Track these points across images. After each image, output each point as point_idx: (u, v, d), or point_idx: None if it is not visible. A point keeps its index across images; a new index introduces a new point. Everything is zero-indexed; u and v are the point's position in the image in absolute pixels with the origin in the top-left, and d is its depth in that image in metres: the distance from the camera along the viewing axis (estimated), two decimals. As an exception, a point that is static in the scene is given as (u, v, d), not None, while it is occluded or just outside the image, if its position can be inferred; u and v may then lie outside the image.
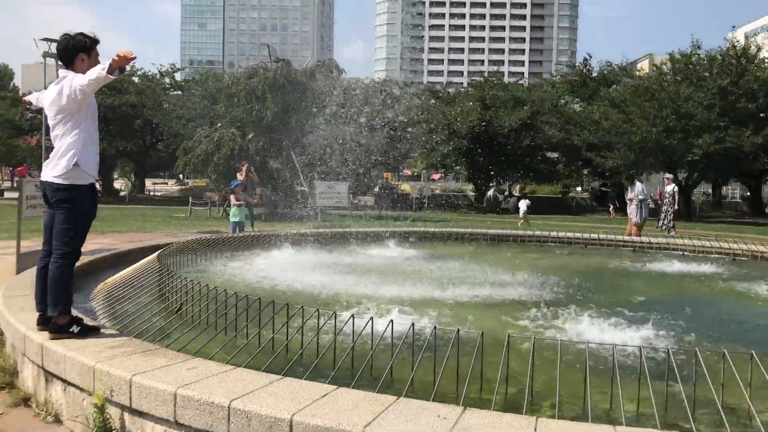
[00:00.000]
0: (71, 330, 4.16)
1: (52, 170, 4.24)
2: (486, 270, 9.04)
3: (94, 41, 4.42)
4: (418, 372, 3.70)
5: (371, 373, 3.90)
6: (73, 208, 4.23)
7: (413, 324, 4.00)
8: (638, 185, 15.49)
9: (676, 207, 18.83)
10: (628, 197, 15.61)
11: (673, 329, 5.67)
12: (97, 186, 4.97)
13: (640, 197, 15.16)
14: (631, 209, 15.47)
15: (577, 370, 4.09)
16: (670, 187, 18.93)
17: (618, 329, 5.48)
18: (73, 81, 4.16)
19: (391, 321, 4.06)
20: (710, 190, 54.16)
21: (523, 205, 23.53)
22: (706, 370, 3.45)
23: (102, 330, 4.39)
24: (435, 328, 3.90)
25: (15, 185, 54.50)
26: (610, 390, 3.54)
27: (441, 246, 12.59)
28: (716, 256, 11.67)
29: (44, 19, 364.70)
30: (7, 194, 40.81)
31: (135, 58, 3.99)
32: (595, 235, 13.26)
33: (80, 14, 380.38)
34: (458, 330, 3.81)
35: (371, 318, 4.10)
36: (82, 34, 4.42)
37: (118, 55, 3.92)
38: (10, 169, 60.17)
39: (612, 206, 37.88)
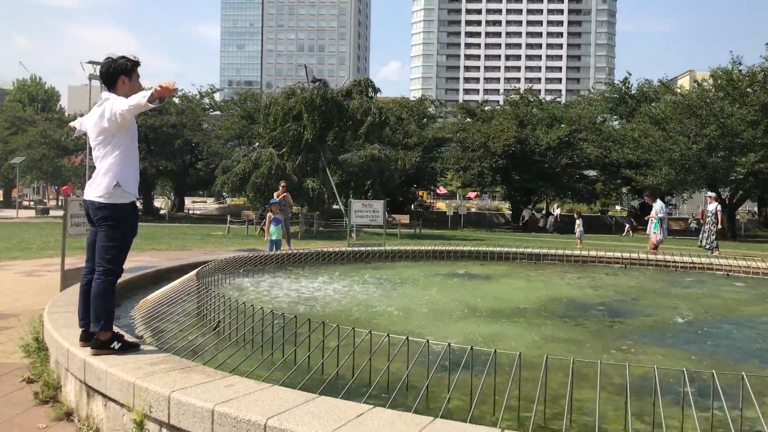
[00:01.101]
0: (112, 346, 4.23)
1: (94, 190, 4.36)
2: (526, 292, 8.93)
3: (135, 63, 4.52)
4: (455, 392, 3.66)
5: (407, 392, 3.88)
6: (114, 226, 4.33)
7: (449, 344, 3.96)
8: (657, 203, 15.16)
9: (719, 226, 18.35)
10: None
11: (719, 352, 5.51)
12: (138, 204, 5.08)
13: (660, 215, 14.82)
14: (650, 227, 15.17)
15: (618, 393, 4.00)
16: (713, 206, 18.47)
17: (661, 350, 5.35)
18: (114, 105, 4.26)
19: (427, 340, 4.03)
20: (756, 209, 52.77)
21: (580, 225, 23.18)
22: (753, 395, 3.34)
23: (142, 346, 4.46)
24: (471, 348, 3.86)
25: (60, 204, 56.09)
26: (653, 414, 3.44)
27: (479, 265, 12.49)
28: (762, 277, 11.32)
29: (89, 42, 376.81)
30: (52, 212, 41.99)
31: (177, 90, 4.08)
32: (635, 255, 13.00)
33: (124, 37, 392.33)
34: (495, 351, 3.76)
35: (407, 338, 4.08)
36: (124, 57, 4.53)
37: (161, 86, 4.01)
38: (56, 188, 61.96)
39: (629, 225, 37.36)
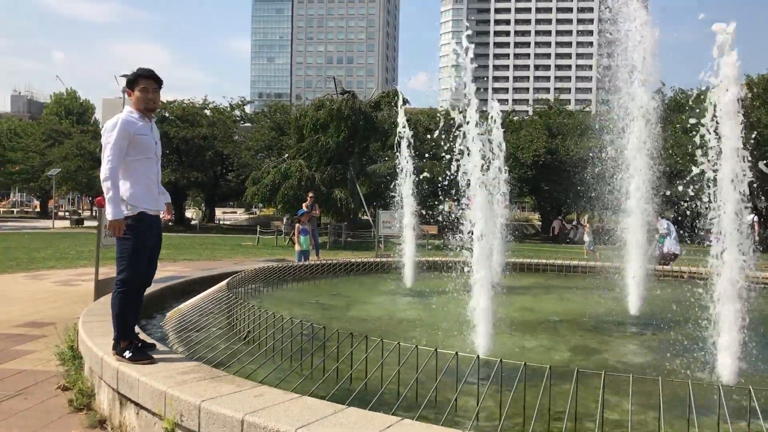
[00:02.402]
0: (124, 354, 4.34)
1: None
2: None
3: (137, 76, 4.60)
4: (484, 405, 3.63)
5: (436, 404, 3.86)
6: (122, 238, 4.45)
7: (478, 356, 3.94)
8: (661, 221, 14.95)
9: (757, 237, 17.96)
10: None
11: (757, 366, 5.38)
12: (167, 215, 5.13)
13: (661, 231, 14.60)
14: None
15: (652, 406, 3.92)
16: (749, 217, 18.10)
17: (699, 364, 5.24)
18: (107, 140, 4.43)
19: (456, 353, 4.01)
20: (793, 220, 51.50)
21: (587, 236, 22.85)
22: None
23: (172, 355, 4.52)
24: (501, 360, 3.83)
25: (94, 214, 57.21)
26: (687, 429, 3.37)
27: (509, 276, 12.38)
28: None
29: (124, 56, 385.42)
30: (86, 223, 42.83)
31: (119, 234, 4.38)
32: (668, 268, 12.77)
33: (159, 51, 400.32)
34: (524, 363, 3.73)
35: (435, 349, 4.07)
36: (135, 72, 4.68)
37: (114, 227, 4.33)
38: (90, 198, 63.23)
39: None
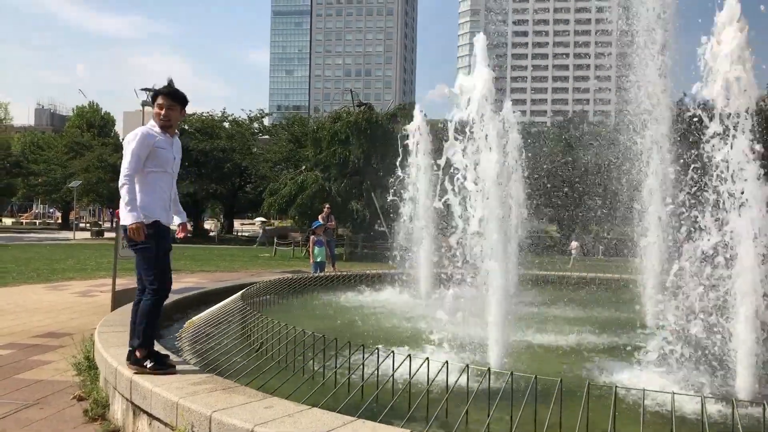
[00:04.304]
0: (145, 364, 4.36)
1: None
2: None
3: (155, 93, 4.79)
4: (495, 417, 3.61)
5: (446, 417, 3.85)
6: (141, 249, 4.51)
7: (489, 369, 3.93)
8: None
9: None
10: None
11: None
12: (189, 226, 5.22)
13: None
14: None
15: (665, 422, 3.88)
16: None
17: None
18: (124, 155, 4.57)
19: (467, 366, 4.00)
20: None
21: (574, 250, 22.62)
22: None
23: (185, 366, 4.56)
24: (512, 373, 3.82)
25: (114, 226, 57.84)
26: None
27: (526, 288, 12.31)
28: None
29: (146, 69, 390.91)
30: (106, 234, 43.30)
31: (140, 238, 4.42)
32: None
33: (179, 64, 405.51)
34: (535, 377, 3.71)
35: (446, 362, 4.06)
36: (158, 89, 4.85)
37: (132, 231, 4.39)
38: (110, 210, 63.93)
39: None
